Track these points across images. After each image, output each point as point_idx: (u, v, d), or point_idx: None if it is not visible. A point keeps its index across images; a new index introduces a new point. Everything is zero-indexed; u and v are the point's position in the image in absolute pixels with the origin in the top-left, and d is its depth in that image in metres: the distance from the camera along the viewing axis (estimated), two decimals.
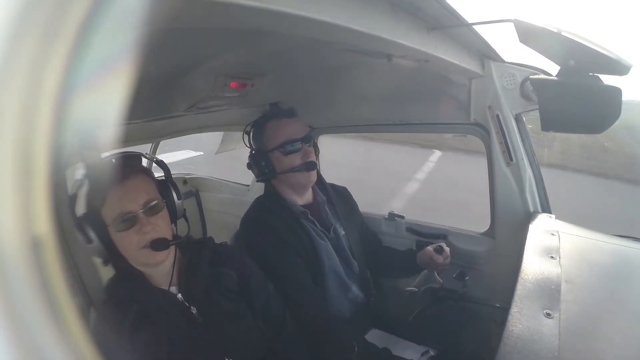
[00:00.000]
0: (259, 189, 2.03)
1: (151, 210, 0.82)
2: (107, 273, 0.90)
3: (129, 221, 0.80)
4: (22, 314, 0.22)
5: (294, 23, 0.53)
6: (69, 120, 0.25)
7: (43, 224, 0.23)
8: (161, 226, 0.84)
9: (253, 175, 2.13)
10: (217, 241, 1.04)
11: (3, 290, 0.22)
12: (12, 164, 0.22)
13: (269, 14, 0.46)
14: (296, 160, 1.19)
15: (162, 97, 1.07)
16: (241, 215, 1.28)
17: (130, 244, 0.81)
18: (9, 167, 0.22)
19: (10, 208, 0.22)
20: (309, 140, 1.22)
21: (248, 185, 2.09)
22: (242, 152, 1.44)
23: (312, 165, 1.20)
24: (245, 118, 1.61)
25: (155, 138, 1.72)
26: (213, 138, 2.06)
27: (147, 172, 0.88)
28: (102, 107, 0.29)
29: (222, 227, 2.04)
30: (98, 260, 0.88)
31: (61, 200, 0.87)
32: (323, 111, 1.64)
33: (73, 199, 0.79)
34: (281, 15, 0.47)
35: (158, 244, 0.82)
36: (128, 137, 1.31)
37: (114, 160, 0.82)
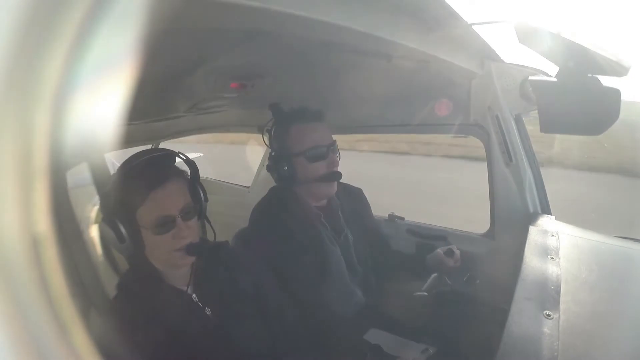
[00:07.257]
0: (259, 190, 2.03)
1: (187, 215, 0.82)
2: (107, 273, 0.90)
3: (168, 225, 0.80)
4: (23, 313, 0.22)
5: (294, 23, 0.53)
6: (69, 121, 0.25)
7: (43, 223, 0.23)
8: (195, 230, 0.84)
9: (252, 177, 2.15)
10: None
11: (3, 289, 0.22)
12: (12, 163, 0.22)
13: (268, 14, 0.46)
14: (321, 168, 1.14)
15: (162, 98, 1.07)
16: (241, 217, 1.27)
17: (165, 246, 0.81)
18: (10, 166, 0.22)
19: (11, 207, 0.22)
20: (335, 146, 1.18)
21: (248, 187, 2.09)
22: (241, 153, 1.44)
23: (337, 176, 1.17)
24: (245, 119, 1.61)
25: (156, 139, 1.72)
26: None
27: (183, 174, 0.88)
28: (103, 108, 0.29)
29: (222, 230, 2.03)
30: (99, 260, 0.88)
31: (61, 200, 0.87)
32: (323, 112, 1.64)
33: (108, 196, 0.79)
34: (281, 15, 0.48)
35: (193, 249, 0.82)
36: (128, 139, 1.31)
37: (152, 160, 0.81)
